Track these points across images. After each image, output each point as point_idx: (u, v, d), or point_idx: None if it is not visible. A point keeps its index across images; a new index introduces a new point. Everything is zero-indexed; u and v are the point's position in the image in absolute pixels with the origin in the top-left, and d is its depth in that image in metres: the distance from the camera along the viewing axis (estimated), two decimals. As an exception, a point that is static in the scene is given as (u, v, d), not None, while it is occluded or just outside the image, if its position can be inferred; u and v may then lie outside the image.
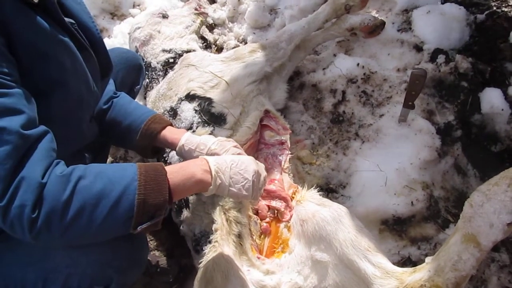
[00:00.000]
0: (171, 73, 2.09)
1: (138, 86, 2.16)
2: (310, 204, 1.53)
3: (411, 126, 1.93)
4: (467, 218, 1.17)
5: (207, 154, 1.47)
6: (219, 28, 2.85)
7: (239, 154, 1.47)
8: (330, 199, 1.62)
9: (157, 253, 1.97)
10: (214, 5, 2.94)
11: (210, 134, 1.74)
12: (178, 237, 1.82)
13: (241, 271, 1.42)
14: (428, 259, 1.26)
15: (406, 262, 1.71)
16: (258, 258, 1.55)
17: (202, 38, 2.67)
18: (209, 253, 1.47)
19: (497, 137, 1.87)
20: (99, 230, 1.04)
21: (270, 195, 1.69)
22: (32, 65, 1.11)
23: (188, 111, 1.85)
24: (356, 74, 2.13)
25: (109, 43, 2.74)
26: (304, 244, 1.46)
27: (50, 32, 1.14)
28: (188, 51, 2.19)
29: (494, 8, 2.13)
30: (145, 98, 2.25)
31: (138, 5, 3.07)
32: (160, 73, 2.17)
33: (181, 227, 1.76)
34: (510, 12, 2.09)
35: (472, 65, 1.98)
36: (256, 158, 1.78)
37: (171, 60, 2.17)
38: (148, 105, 2.07)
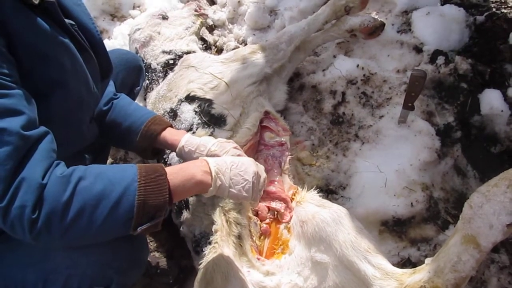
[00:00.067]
0: (171, 75, 2.09)
1: (138, 88, 2.16)
2: (310, 205, 1.53)
3: (410, 127, 1.93)
4: (466, 219, 1.17)
5: (207, 155, 1.47)
6: (219, 29, 2.85)
7: (239, 155, 1.47)
8: (330, 200, 1.62)
9: (157, 254, 1.97)
10: (214, 7, 2.94)
11: (210, 135, 1.74)
12: (178, 238, 1.82)
13: (241, 272, 1.42)
14: (427, 260, 1.26)
15: (406, 263, 1.70)
16: (258, 259, 1.55)
17: (202, 39, 2.67)
18: (209, 254, 1.47)
19: (497, 138, 1.87)
20: (99, 231, 1.04)
21: (270, 196, 1.69)
22: (32, 66, 1.11)
23: (188, 112, 1.85)
24: (356, 76, 2.13)
25: (109, 44, 2.74)
26: (304, 245, 1.46)
27: (51, 33, 1.14)
28: (188, 53, 2.19)
29: (494, 9, 2.13)
30: (145, 99, 2.25)
31: (138, 7, 3.08)
32: (160, 74, 2.17)
33: (181, 228, 1.76)
34: (509, 13, 2.09)
35: (472, 66, 1.98)
36: (256, 159, 1.78)
37: (171, 62, 2.17)
38: (148, 107, 2.07)
